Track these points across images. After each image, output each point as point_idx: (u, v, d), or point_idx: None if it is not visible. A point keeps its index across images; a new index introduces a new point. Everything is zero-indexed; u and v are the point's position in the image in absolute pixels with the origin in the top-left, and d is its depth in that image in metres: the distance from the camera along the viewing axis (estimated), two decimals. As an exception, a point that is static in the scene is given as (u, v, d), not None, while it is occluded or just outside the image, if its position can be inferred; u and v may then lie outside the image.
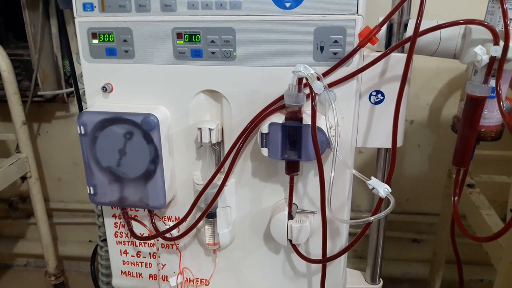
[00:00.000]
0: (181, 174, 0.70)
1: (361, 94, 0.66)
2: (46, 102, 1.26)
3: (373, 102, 0.67)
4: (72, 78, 1.19)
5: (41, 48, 1.21)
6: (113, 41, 0.66)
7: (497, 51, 0.55)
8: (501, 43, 0.57)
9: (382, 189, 0.54)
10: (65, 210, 1.41)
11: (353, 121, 0.65)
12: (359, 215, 1.24)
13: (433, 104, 1.20)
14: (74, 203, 1.40)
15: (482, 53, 0.56)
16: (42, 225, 1.29)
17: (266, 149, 0.62)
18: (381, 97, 0.66)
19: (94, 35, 0.66)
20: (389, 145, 0.65)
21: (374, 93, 0.66)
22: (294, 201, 0.67)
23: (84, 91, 0.70)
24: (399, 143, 0.67)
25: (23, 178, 1.25)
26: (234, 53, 0.64)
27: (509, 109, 0.67)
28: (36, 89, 1.22)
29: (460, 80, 1.14)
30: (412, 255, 1.32)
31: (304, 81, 0.58)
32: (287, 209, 0.65)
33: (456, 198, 0.63)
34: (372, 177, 0.57)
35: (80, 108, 1.08)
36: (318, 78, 0.57)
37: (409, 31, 0.63)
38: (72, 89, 1.21)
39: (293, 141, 0.61)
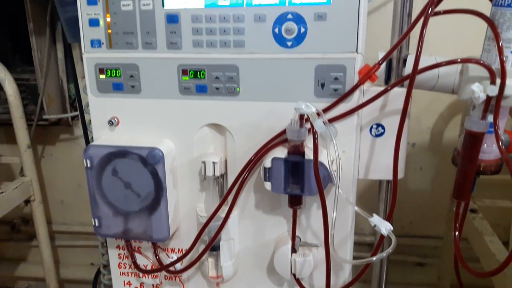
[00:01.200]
0: (185, 206, 0.71)
1: (362, 127, 0.67)
2: (51, 125, 1.28)
3: (374, 135, 0.68)
4: (77, 102, 1.21)
5: (47, 73, 1.23)
6: (120, 76, 0.68)
7: (493, 90, 0.56)
8: (498, 80, 0.58)
9: (384, 227, 0.55)
10: (67, 232, 1.42)
11: (354, 154, 0.66)
12: (363, 238, 1.25)
13: (434, 127, 1.21)
14: (77, 226, 1.41)
15: (479, 91, 0.58)
16: (44, 249, 1.29)
17: (269, 183, 0.63)
18: (382, 130, 0.68)
19: (101, 71, 0.68)
20: (390, 177, 0.66)
21: (375, 126, 0.67)
22: (297, 233, 0.67)
23: (87, 102, 0.71)
24: (400, 175, 0.68)
25: (27, 201, 1.26)
26: (238, 89, 0.65)
27: (508, 142, 0.69)
28: (41, 112, 1.24)
29: (460, 104, 1.16)
30: (416, 278, 1.31)
31: (306, 116, 0.60)
32: (290, 242, 0.66)
33: (457, 233, 0.63)
34: (374, 215, 0.58)
35: (85, 132, 1.10)
36: (319, 114, 0.59)
37: (408, 67, 0.65)
38: (77, 112, 1.23)
39: (295, 175, 0.62)
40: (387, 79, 0.68)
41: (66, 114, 1.25)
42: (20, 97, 1.19)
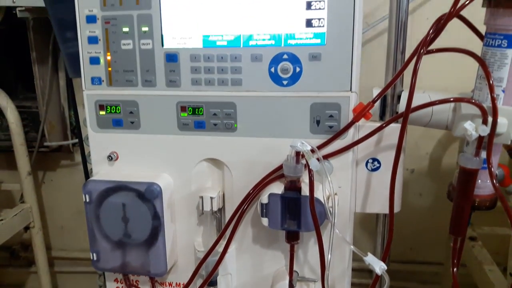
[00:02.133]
0: (182, 240, 0.72)
1: (358, 161, 0.68)
2: (51, 151, 1.29)
3: (370, 169, 0.69)
4: (77, 129, 1.23)
5: (49, 100, 1.25)
6: (119, 112, 0.69)
7: (484, 130, 0.57)
8: (490, 118, 0.59)
9: (378, 266, 0.56)
10: (67, 258, 1.42)
11: (350, 189, 0.67)
12: (363, 265, 1.24)
13: (433, 153, 1.22)
14: (76, 252, 1.41)
15: (472, 129, 0.59)
16: (43, 275, 1.29)
17: (266, 219, 0.63)
18: (378, 165, 0.68)
19: (101, 107, 0.69)
20: (387, 210, 0.66)
21: (370, 161, 0.68)
22: (294, 268, 0.68)
23: (87, 136, 0.72)
24: (397, 209, 0.69)
25: (26, 228, 1.26)
26: (235, 125, 0.66)
27: (502, 176, 0.69)
28: (42, 139, 1.26)
29: (457, 131, 1.17)
30: (417, 305, 1.30)
31: (302, 153, 0.60)
32: (287, 278, 0.66)
33: (455, 269, 0.64)
34: (369, 254, 0.59)
35: (84, 160, 1.11)
36: (313, 151, 0.60)
37: (402, 103, 0.66)
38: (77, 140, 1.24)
39: (292, 211, 0.63)
40: (382, 115, 0.69)
41: (67, 141, 1.26)
42: (21, 125, 1.20)
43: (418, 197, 1.25)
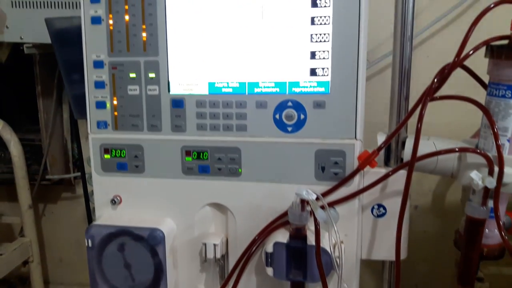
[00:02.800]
0: (185, 287, 0.70)
1: (364, 207, 0.68)
2: (53, 184, 1.29)
3: (376, 215, 0.68)
4: (79, 163, 1.22)
5: (52, 133, 1.25)
6: (124, 156, 0.69)
7: (491, 183, 0.57)
8: (496, 168, 0.59)
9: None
10: (65, 292, 1.39)
11: (357, 237, 0.66)
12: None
13: (436, 189, 1.21)
14: (75, 286, 1.38)
15: (478, 179, 0.58)
16: (40, 311, 1.26)
17: (271, 268, 0.62)
18: (383, 211, 0.68)
19: (106, 151, 0.69)
20: (393, 257, 0.65)
21: (376, 207, 0.68)
22: (299, 318, 0.66)
23: (90, 175, 0.72)
24: (403, 256, 0.68)
25: (25, 262, 1.24)
26: (240, 170, 0.66)
27: (510, 224, 0.69)
28: (44, 172, 1.26)
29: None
30: None
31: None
32: (292, 329, 0.65)
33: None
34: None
35: (85, 193, 1.11)
36: (318, 199, 0.59)
37: (407, 150, 0.66)
38: (79, 173, 1.24)
39: (298, 261, 0.62)
40: (387, 160, 0.69)
41: (69, 175, 1.26)
42: (24, 158, 1.20)
43: (422, 233, 1.23)
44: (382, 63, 1.11)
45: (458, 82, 0.68)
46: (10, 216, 1.28)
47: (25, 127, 1.32)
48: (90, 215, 0.95)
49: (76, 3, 0.97)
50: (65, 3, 0.98)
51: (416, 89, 0.67)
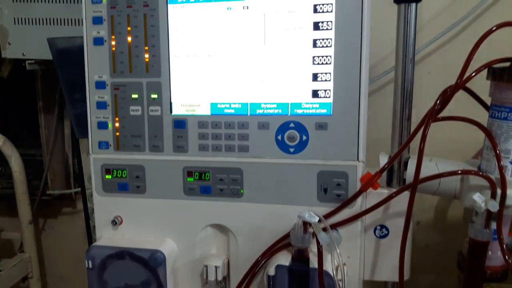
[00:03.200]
0: (186, 309, 0.70)
1: (366, 228, 0.67)
2: (53, 199, 1.28)
3: (378, 236, 0.68)
4: (79, 179, 1.22)
5: (53, 148, 1.25)
6: (125, 177, 0.69)
7: (494, 206, 0.56)
8: (499, 191, 0.59)
9: None
10: (64, 309, 1.38)
11: (359, 258, 0.65)
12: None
13: (438, 205, 1.21)
14: (74, 302, 1.37)
15: (481, 201, 0.58)
16: (39, 328, 1.25)
17: (273, 291, 0.62)
18: (386, 232, 0.67)
19: (107, 171, 0.69)
20: (396, 278, 0.65)
21: (378, 228, 0.67)
22: None
23: (91, 191, 0.71)
24: (406, 277, 0.67)
25: (24, 278, 1.23)
26: (242, 191, 0.66)
27: (513, 245, 0.68)
28: (45, 187, 1.25)
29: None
30: None
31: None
32: None
33: None
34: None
35: (85, 210, 1.10)
36: (320, 221, 0.59)
37: (410, 171, 0.66)
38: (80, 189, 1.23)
39: (300, 284, 0.61)
40: (389, 181, 0.68)
41: (69, 190, 1.25)
42: (25, 173, 1.20)
43: (424, 249, 1.23)
44: (383, 78, 1.12)
45: (462, 97, 0.68)
46: (10, 232, 1.28)
47: (26, 142, 1.32)
48: (90, 233, 0.95)
49: (78, 20, 0.97)
50: (68, 20, 0.98)
51: (418, 105, 0.67)
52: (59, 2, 0.98)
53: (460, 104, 0.68)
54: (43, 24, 1.00)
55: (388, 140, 0.70)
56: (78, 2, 0.97)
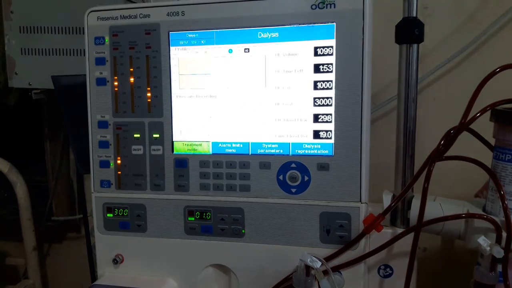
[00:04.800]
0: None
1: (370, 267, 0.66)
2: (58, 225, 1.28)
3: (382, 276, 0.67)
4: (82, 207, 1.22)
5: (58, 175, 1.26)
6: (127, 215, 0.69)
7: (499, 253, 0.55)
8: (504, 234, 0.58)
9: None
10: (67, 335, 1.37)
11: (362, 301, 0.64)
12: None
13: (444, 231, 1.19)
14: (78, 328, 1.36)
15: (486, 245, 0.57)
16: None
17: (275, 335, 0.61)
18: (390, 271, 0.66)
19: (109, 209, 0.69)
20: (400, 321, 0.63)
21: (382, 267, 0.66)
22: None
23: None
24: (411, 318, 0.66)
25: (28, 305, 1.23)
26: (243, 231, 0.65)
27: (521, 287, 0.66)
28: (49, 213, 1.26)
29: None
30: None
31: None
32: None
33: None
34: None
35: (87, 235, 1.10)
36: (323, 263, 0.58)
37: (414, 211, 0.65)
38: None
39: (302, 329, 0.60)
40: (393, 220, 0.67)
41: (74, 216, 1.26)
42: (29, 200, 1.20)
43: (431, 277, 1.20)
44: (388, 105, 1.11)
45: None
46: (14, 258, 1.28)
47: (32, 168, 1.33)
48: (92, 266, 0.95)
49: (84, 51, 0.98)
50: (74, 50, 1.00)
51: (422, 133, 0.66)
52: (66, 33, 1.00)
53: (465, 137, 0.67)
54: (49, 54, 1.02)
55: (393, 166, 0.69)
56: (84, 34, 0.98)
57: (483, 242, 0.57)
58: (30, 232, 1.22)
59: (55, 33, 1.00)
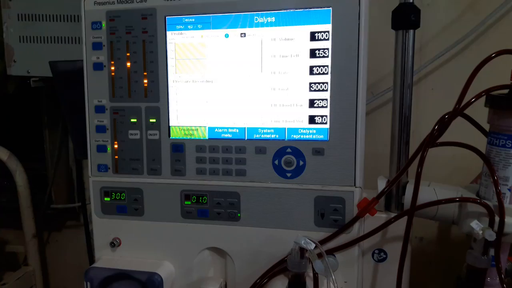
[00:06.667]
0: (183, 332, 0.70)
1: (364, 251, 0.67)
2: (57, 212, 1.29)
3: (376, 260, 0.67)
4: (80, 195, 1.23)
5: (57, 163, 1.26)
6: (124, 199, 0.69)
7: (491, 236, 0.56)
8: (497, 218, 0.58)
9: None
10: (67, 322, 1.38)
11: (356, 283, 0.65)
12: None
13: (441, 221, 1.20)
14: (77, 315, 1.37)
15: (479, 229, 0.58)
16: None
17: (269, 318, 0.61)
18: (384, 256, 0.67)
19: (106, 194, 0.70)
20: (394, 303, 0.64)
21: (377, 252, 0.67)
22: None
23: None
24: (404, 301, 0.67)
25: (28, 291, 1.24)
26: (239, 215, 0.66)
27: (513, 271, 0.67)
28: (49, 201, 1.26)
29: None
30: None
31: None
32: None
33: None
34: None
35: (86, 223, 1.11)
36: (316, 247, 0.59)
37: (408, 196, 0.65)
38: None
39: (296, 310, 0.61)
40: (387, 205, 0.68)
41: (73, 204, 1.26)
42: (29, 188, 1.21)
43: (427, 265, 1.21)
44: (386, 95, 1.11)
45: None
46: (14, 245, 1.29)
47: (31, 156, 1.33)
48: (91, 250, 0.96)
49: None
50: (72, 38, 1.00)
51: (420, 122, 0.66)
52: (64, 21, 1.00)
53: (460, 125, 0.67)
54: (47, 42, 1.02)
55: (389, 156, 0.69)
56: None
57: (476, 226, 0.58)
58: (29, 219, 1.23)
59: (53, 20, 1.00)
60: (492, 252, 0.60)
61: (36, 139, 1.26)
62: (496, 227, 0.58)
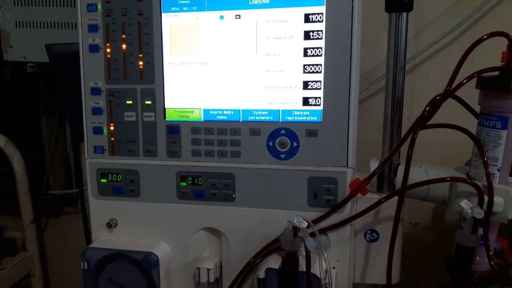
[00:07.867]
0: (179, 310, 0.71)
1: (357, 231, 0.68)
2: (55, 198, 1.30)
3: (369, 240, 0.69)
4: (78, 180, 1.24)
5: (55, 149, 1.27)
6: (120, 181, 0.70)
7: (479, 213, 0.57)
8: (486, 197, 0.60)
9: None
10: (65, 307, 1.40)
11: (348, 262, 0.66)
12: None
13: (436, 207, 1.21)
14: (76, 300, 1.39)
15: (468, 208, 0.59)
16: (41, 325, 1.27)
17: (263, 294, 0.63)
18: (376, 236, 0.68)
19: (103, 175, 0.71)
20: (385, 281, 0.66)
21: (369, 232, 0.68)
22: None
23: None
24: (395, 280, 0.68)
25: (27, 276, 1.26)
26: (234, 195, 0.67)
27: (501, 250, 0.69)
28: (46, 187, 1.27)
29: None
30: None
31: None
32: None
33: None
34: None
35: (84, 209, 1.12)
36: (309, 226, 0.60)
37: (399, 177, 0.67)
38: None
39: (289, 287, 0.62)
40: (380, 186, 0.69)
41: (70, 190, 1.27)
42: (26, 174, 1.22)
43: (420, 250, 1.23)
44: (382, 82, 1.12)
45: (454, 101, 0.68)
46: (12, 231, 1.30)
47: (28, 143, 1.34)
48: (88, 233, 0.97)
49: (78, 24, 0.99)
50: (68, 24, 1.00)
51: (415, 109, 0.67)
52: (60, 6, 1.00)
53: (452, 108, 0.68)
54: (44, 27, 1.02)
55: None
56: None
57: (465, 205, 0.59)
58: (27, 205, 1.23)
59: (50, 5, 1.00)
60: (481, 231, 0.62)
61: (33, 125, 1.27)
62: (485, 206, 0.59)
